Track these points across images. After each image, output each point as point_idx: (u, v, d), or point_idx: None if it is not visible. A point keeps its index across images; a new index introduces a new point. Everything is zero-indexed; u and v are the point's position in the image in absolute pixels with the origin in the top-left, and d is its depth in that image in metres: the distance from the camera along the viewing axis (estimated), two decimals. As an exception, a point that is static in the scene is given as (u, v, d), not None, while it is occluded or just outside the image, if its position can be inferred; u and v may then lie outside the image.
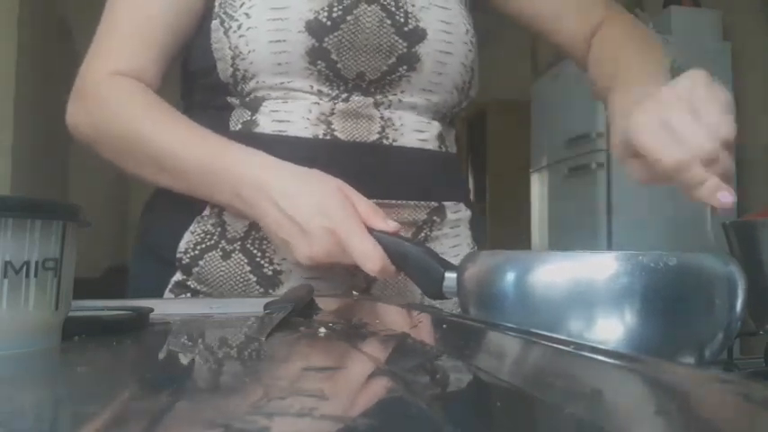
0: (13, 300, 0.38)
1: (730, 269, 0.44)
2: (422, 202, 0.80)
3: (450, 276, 0.59)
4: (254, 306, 0.62)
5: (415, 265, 0.65)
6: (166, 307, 0.64)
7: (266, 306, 0.57)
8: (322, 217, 0.66)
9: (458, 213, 0.84)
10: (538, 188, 3.33)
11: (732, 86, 2.61)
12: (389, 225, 0.67)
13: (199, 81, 0.82)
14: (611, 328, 0.42)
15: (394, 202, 0.77)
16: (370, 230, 0.66)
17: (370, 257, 0.65)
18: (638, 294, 0.42)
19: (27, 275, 0.39)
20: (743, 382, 0.23)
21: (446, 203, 0.83)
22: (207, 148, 0.72)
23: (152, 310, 0.55)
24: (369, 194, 0.72)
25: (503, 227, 4.14)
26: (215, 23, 0.76)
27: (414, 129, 0.79)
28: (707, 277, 0.44)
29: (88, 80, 0.77)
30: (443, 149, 0.83)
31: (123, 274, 0.88)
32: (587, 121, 2.60)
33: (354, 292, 0.76)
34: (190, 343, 0.50)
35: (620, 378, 0.27)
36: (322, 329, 0.52)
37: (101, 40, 0.78)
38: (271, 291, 0.75)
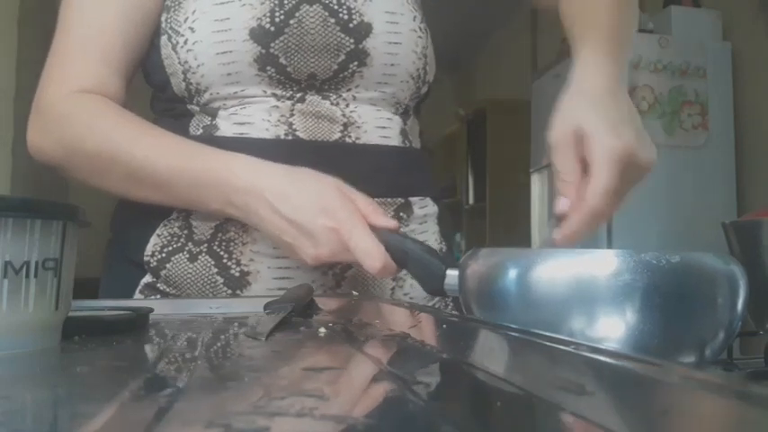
0: (13, 300, 0.38)
1: (732, 268, 0.44)
2: (388, 199, 0.79)
3: (452, 274, 0.59)
4: (254, 306, 0.62)
5: (416, 262, 0.65)
6: (166, 307, 0.64)
7: (266, 306, 0.57)
8: (324, 216, 0.65)
9: (425, 209, 0.84)
10: (538, 188, 3.33)
11: (732, 86, 2.61)
12: (390, 222, 0.67)
13: (157, 94, 0.82)
14: (612, 327, 0.42)
15: None
16: (372, 228, 0.66)
17: (372, 255, 0.65)
18: (640, 293, 0.42)
19: (27, 275, 0.39)
20: (743, 382, 0.23)
21: (412, 199, 0.82)
22: (187, 158, 0.71)
23: (152, 310, 0.55)
24: None
25: (503, 227, 4.13)
26: (163, 39, 0.76)
27: (376, 125, 0.79)
28: (708, 276, 0.44)
29: (49, 100, 0.75)
30: (407, 144, 0.83)
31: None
32: (587, 121, 2.60)
33: (354, 293, 0.76)
34: (190, 343, 0.50)
35: (619, 378, 0.27)
36: (322, 329, 0.52)
37: (56, 57, 0.76)
38: (238, 292, 0.74)
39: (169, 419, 0.26)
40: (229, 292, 0.74)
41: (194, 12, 0.74)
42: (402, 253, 0.66)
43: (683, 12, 2.69)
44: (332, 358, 0.45)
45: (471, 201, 4.71)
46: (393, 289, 0.80)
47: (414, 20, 0.81)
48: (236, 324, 0.58)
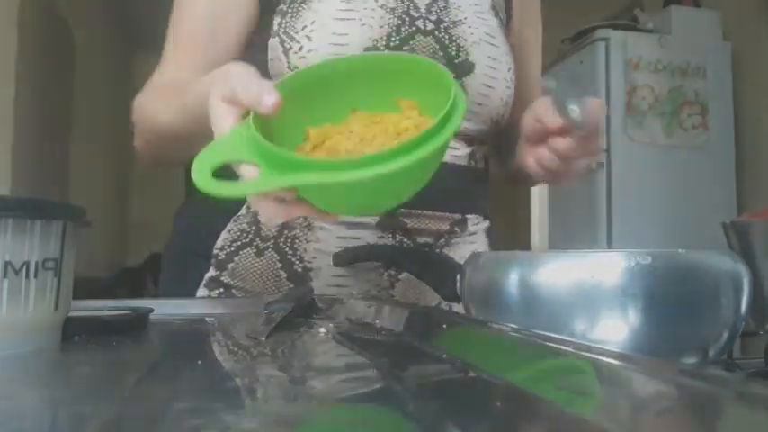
0: (13, 300, 0.38)
1: (737, 267, 0.44)
2: (447, 213, 0.83)
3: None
4: (253, 306, 0.62)
5: (430, 269, 0.66)
6: (166, 307, 0.64)
7: (266, 306, 0.57)
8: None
9: (477, 225, 0.88)
10: (538, 188, 3.33)
11: (732, 86, 2.61)
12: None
13: None
14: (615, 329, 0.42)
15: (420, 212, 0.80)
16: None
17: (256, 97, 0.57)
18: (643, 293, 0.41)
19: (27, 275, 0.39)
20: (743, 382, 0.23)
21: (469, 216, 0.86)
22: (183, 102, 0.71)
23: (152, 310, 0.55)
24: None
25: (503, 227, 4.14)
26: (273, 42, 0.78)
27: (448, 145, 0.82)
28: (713, 275, 0.43)
29: (145, 88, 0.80)
30: (472, 165, 0.87)
31: (130, 275, 0.88)
32: (587, 121, 2.60)
33: (353, 292, 0.76)
34: (189, 343, 0.50)
35: (620, 378, 0.27)
36: (322, 329, 0.52)
37: (164, 50, 0.81)
38: (301, 287, 0.78)
39: (169, 419, 0.26)
40: (292, 286, 0.78)
41: (313, 22, 0.77)
42: (417, 260, 0.67)
43: (683, 12, 2.69)
44: (331, 358, 0.45)
45: (471, 201, 4.72)
46: None
47: (508, 70, 0.85)
48: (236, 324, 0.58)
